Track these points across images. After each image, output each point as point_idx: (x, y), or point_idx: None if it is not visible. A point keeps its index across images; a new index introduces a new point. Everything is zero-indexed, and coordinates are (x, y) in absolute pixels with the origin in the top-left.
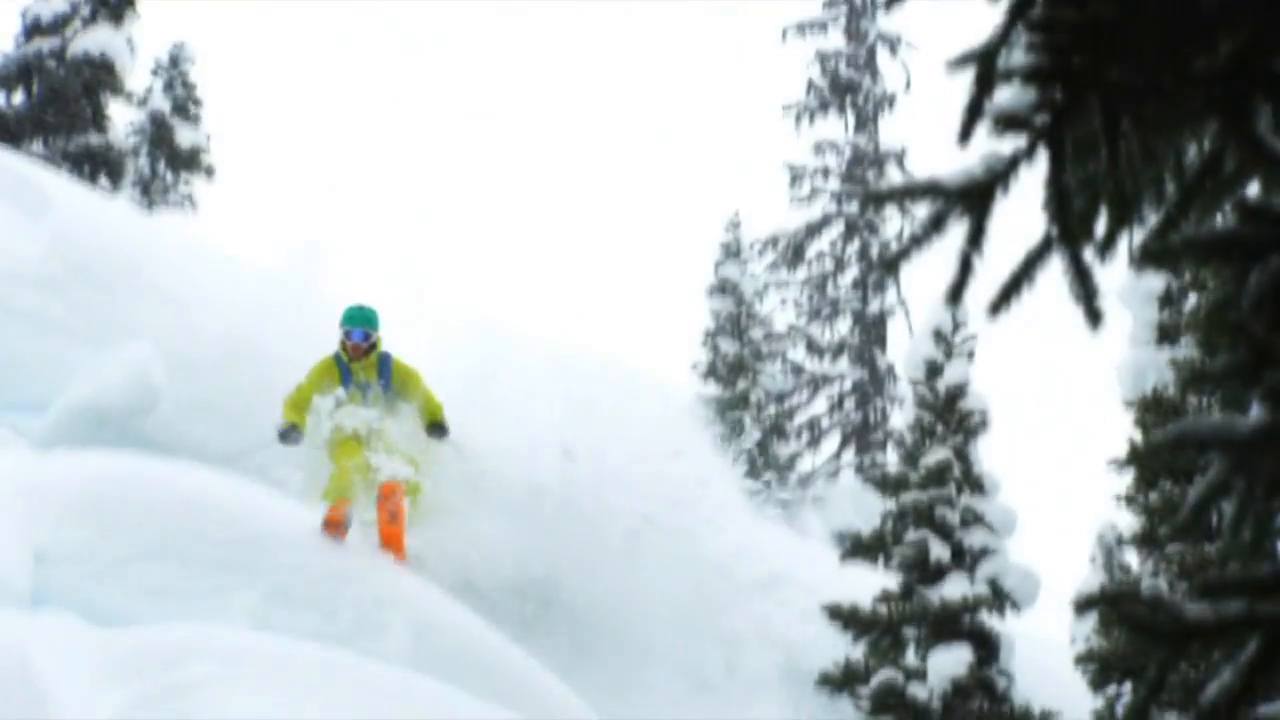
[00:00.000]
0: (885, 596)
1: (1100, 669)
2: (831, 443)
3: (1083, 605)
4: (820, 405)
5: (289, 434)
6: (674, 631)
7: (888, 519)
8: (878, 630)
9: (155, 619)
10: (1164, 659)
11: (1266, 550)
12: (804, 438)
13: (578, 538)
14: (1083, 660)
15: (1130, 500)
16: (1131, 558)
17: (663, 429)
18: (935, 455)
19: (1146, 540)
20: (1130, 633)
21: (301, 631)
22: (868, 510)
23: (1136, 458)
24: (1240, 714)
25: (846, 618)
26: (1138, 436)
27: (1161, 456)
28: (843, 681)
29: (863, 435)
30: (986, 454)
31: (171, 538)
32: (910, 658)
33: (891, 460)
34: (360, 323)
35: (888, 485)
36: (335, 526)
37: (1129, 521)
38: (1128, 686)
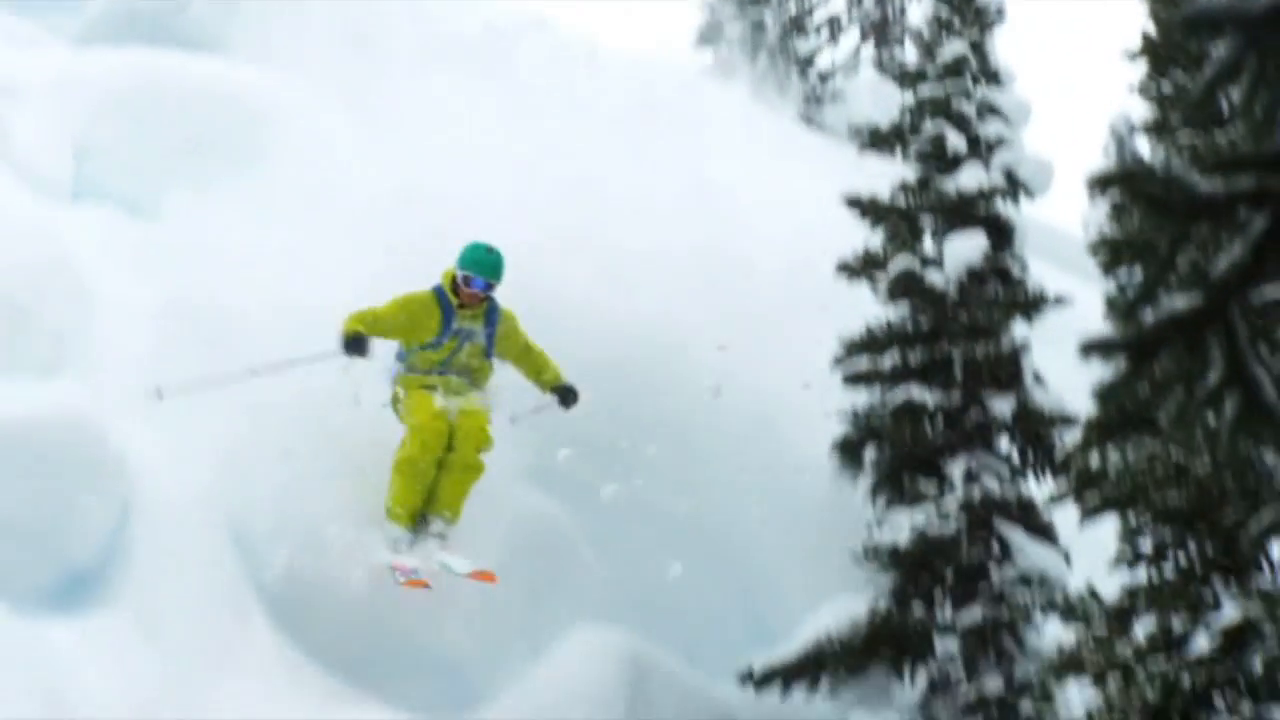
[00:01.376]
0: (903, 186)
1: (1112, 253)
2: (851, 39)
3: (1098, 184)
4: (839, 1)
5: (357, 343)
6: None
7: (905, 112)
8: (895, 218)
9: (189, 213)
10: (1175, 234)
11: (1278, 127)
12: (823, 34)
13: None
14: (1095, 246)
15: (1143, 90)
16: (1144, 147)
17: None
18: (952, 48)
19: (1159, 129)
20: (1144, 210)
21: None
22: (886, 104)
23: (1150, 48)
24: (1249, 288)
25: (865, 207)
26: (1150, 28)
27: (1175, 40)
28: (860, 269)
29: (881, 30)
30: (1002, 46)
31: (205, 133)
32: (927, 246)
33: (910, 54)
34: (488, 271)
35: (906, 79)
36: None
37: (1142, 111)
38: (1139, 271)
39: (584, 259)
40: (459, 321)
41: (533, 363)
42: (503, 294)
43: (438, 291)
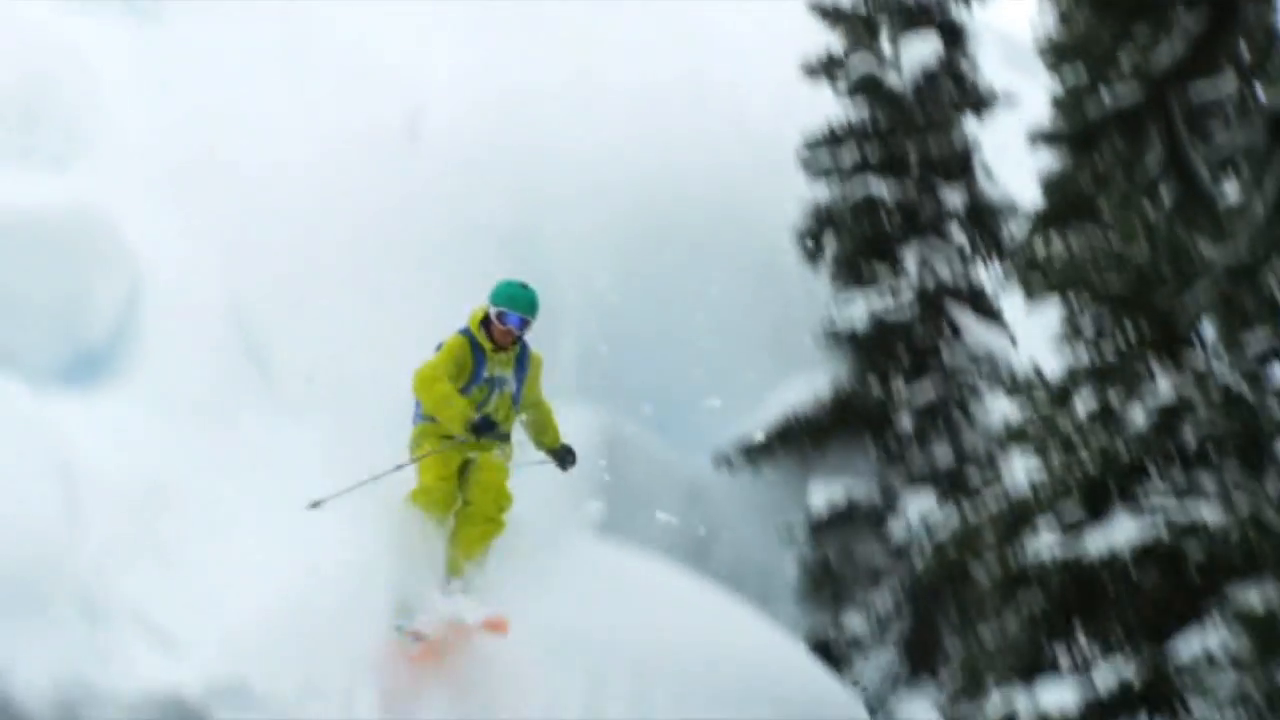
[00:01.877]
0: None
1: (1058, 53)
2: None
3: None
4: None
5: (485, 426)
6: None
7: None
8: (854, 21)
9: (189, 18)
10: (1117, 32)
11: None
12: None
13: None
14: (1044, 49)
15: None
16: None
17: None
18: None
19: None
20: (1089, 9)
21: None
22: None
23: None
24: (1187, 81)
25: (826, 11)
26: None
27: None
28: (822, 70)
29: None
30: None
31: None
32: (885, 49)
33: None
34: (523, 307)
35: None
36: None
37: None
38: (1083, 69)
39: (575, 104)
40: (490, 368)
41: (538, 419)
42: (502, 145)
43: (467, 335)
